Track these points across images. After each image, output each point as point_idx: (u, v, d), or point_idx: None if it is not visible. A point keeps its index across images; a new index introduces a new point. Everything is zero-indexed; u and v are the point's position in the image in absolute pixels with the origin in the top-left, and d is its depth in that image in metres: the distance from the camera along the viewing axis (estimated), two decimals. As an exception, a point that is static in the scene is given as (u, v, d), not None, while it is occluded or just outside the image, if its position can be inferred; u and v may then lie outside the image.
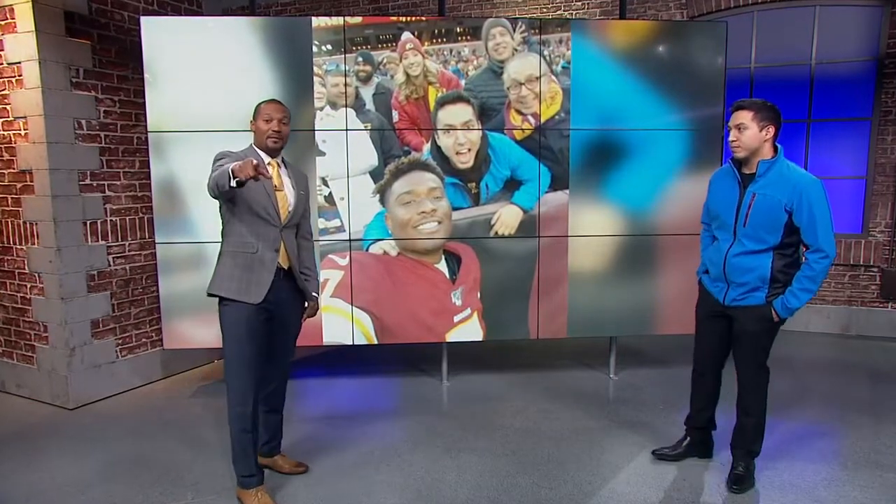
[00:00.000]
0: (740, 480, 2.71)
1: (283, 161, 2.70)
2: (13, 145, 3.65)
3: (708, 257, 2.76)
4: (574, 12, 5.77)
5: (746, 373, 2.68)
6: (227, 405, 2.54)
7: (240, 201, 2.49)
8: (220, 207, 2.59)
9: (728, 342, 2.76)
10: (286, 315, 2.67)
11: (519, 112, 3.81)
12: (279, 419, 2.88)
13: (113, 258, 3.91)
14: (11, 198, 3.74)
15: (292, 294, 2.69)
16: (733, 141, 2.49)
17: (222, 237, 2.60)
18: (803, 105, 5.38)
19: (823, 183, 2.49)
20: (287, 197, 2.62)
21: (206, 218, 3.53)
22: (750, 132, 2.46)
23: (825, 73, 5.29)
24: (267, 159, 2.60)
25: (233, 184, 2.27)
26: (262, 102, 2.63)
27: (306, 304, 2.78)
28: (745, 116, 2.47)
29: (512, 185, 3.86)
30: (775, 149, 2.53)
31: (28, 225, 3.70)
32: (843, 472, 2.88)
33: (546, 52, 3.77)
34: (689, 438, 2.98)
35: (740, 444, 2.76)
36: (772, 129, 2.48)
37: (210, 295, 2.55)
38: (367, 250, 3.84)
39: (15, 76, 3.56)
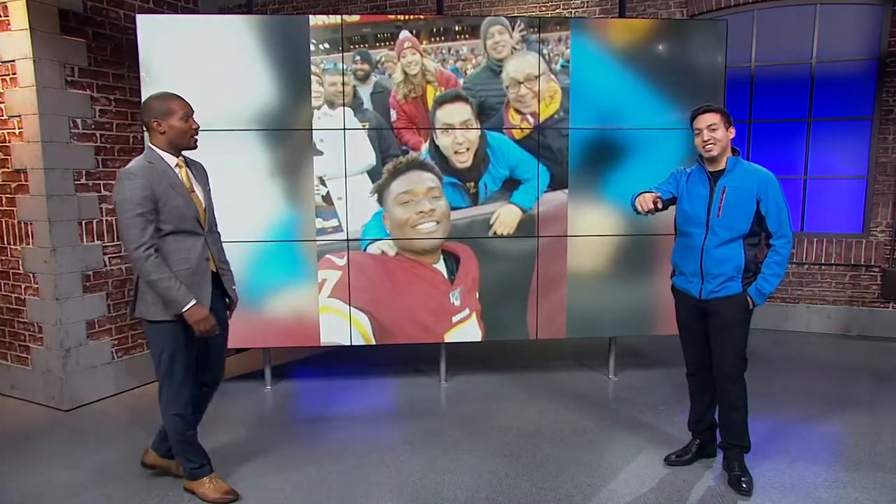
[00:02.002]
0: (746, 479, 2.71)
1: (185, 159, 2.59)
2: (7, 144, 3.62)
3: (679, 257, 2.83)
4: (573, 11, 5.75)
5: (730, 366, 2.69)
6: (167, 411, 2.55)
7: (164, 220, 2.40)
8: None
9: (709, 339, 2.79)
10: (218, 318, 2.63)
11: (518, 111, 3.79)
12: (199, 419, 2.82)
13: (109, 258, 3.88)
14: (6, 197, 3.71)
15: (221, 296, 2.68)
16: (708, 140, 2.64)
17: None
18: (804, 104, 5.36)
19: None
20: (199, 197, 2.56)
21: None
22: (721, 131, 2.63)
23: (826, 72, 5.27)
24: (174, 161, 2.49)
25: (170, 317, 2.41)
26: (171, 98, 2.46)
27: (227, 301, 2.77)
28: (714, 118, 2.64)
29: (511, 185, 3.84)
30: (735, 150, 2.72)
31: (23, 225, 3.67)
32: (844, 473, 2.86)
33: (545, 51, 3.74)
34: (699, 442, 2.97)
35: (733, 441, 2.76)
36: (733, 131, 2.68)
37: (151, 321, 2.45)
38: (365, 250, 3.81)
39: (9, 74, 3.53)
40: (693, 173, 2.80)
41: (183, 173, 2.51)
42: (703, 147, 2.65)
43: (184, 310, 2.40)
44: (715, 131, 2.61)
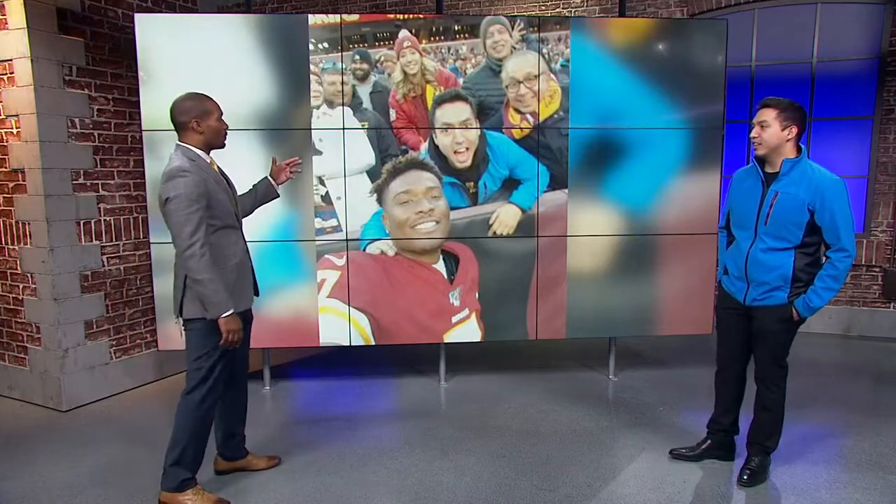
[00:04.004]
0: (752, 475, 2.74)
1: None
2: (5, 144, 3.61)
3: (729, 257, 2.76)
4: (573, 10, 5.73)
5: (765, 369, 2.69)
6: (197, 412, 2.49)
7: (216, 216, 2.44)
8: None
9: (750, 340, 2.75)
10: (250, 308, 2.71)
11: (517, 111, 3.77)
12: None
13: (107, 258, 3.86)
14: (3, 197, 3.69)
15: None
16: (755, 137, 2.51)
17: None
18: (804, 103, 5.31)
19: (845, 182, 2.49)
20: (230, 192, 2.61)
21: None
22: (772, 130, 2.47)
23: (827, 72, 5.26)
24: (208, 159, 2.52)
25: (208, 316, 2.38)
26: (206, 98, 2.49)
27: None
28: (768, 114, 2.48)
29: (510, 185, 3.82)
30: (799, 149, 2.54)
31: (20, 225, 3.66)
32: (844, 473, 2.85)
33: (545, 50, 3.73)
34: (709, 441, 2.97)
35: (756, 438, 2.79)
36: (794, 129, 2.48)
37: (206, 319, 2.42)
38: (364, 250, 3.80)
39: (7, 73, 3.51)
40: (750, 172, 2.66)
41: (216, 170, 2.56)
42: (752, 143, 2.53)
43: (224, 315, 2.39)
44: (765, 129, 2.47)
